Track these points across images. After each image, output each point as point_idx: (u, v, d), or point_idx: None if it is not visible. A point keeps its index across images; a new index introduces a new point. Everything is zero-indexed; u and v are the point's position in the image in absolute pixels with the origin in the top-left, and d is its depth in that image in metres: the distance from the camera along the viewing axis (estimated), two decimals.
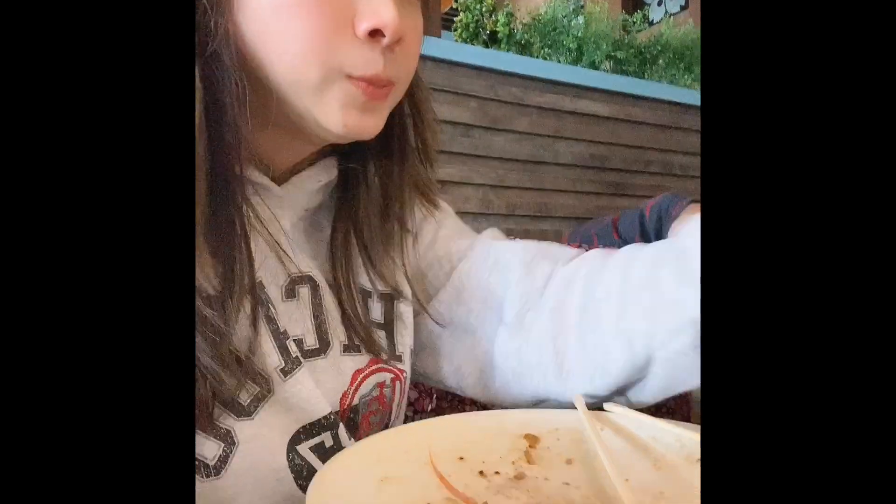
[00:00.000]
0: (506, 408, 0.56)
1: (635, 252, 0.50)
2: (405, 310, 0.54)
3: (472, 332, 0.55)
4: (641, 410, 0.46)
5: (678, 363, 0.44)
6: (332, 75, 0.41)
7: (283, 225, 0.47)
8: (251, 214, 0.44)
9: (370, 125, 0.44)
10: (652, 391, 0.47)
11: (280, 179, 0.48)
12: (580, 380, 0.49)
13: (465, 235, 0.59)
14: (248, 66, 0.41)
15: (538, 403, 0.53)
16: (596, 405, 0.47)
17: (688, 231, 0.47)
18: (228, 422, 0.42)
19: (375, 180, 0.51)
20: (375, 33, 0.41)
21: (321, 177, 0.50)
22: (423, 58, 0.48)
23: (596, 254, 0.54)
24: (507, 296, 0.54)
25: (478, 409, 0.63)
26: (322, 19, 0.40)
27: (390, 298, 0.53)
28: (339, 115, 0.42)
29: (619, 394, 0.49)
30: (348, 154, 0.51)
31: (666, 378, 0.46)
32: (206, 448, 0.41)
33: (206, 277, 0.39)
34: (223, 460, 0.41)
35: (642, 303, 0.45)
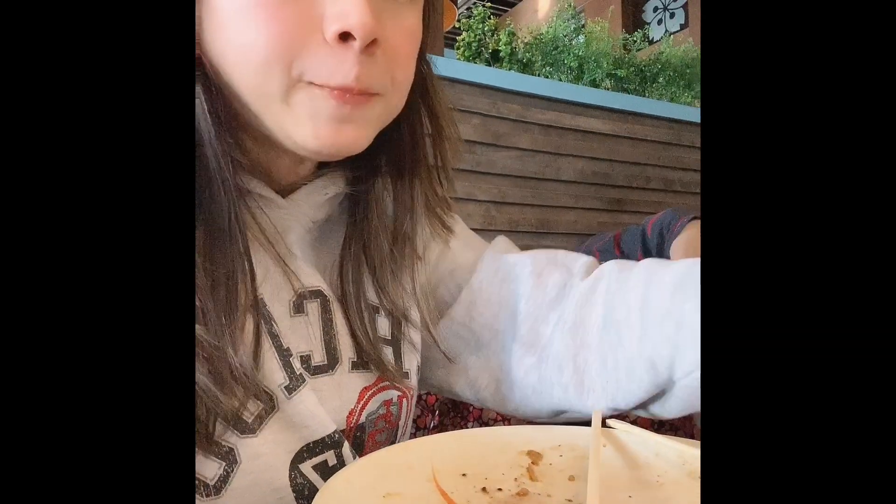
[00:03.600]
0: (526, 419, 0.57)
1: (655, 271, 0.48)
2: (413, 329, 0.53)
3: (485, 345, 0.55)
4: (645, 427, 0.46)
5: (698, 388, 0.44)
6: (293, 83, 0.38)
7: (289, 238, 0.47)
8: (255, 228, 0.43)
9: (349, 138, 0.41)
10: (672, 409, 0.48)
11: (286, 192, 0.47)
12: (602, 397, 0.48)
13: (473, 246, 0.58)
14: (220, 78, 0.40)
15: (558, 415, 0.53)
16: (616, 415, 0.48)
17: None
18: (231, 439, 0.41)
19: (387, 199, 0.50)
20: (346, 37, 0.37)
21: (328, 189, 0.48)
22: None
23: (613, 267, 0.52)
24: (519, 309, 0.54)
25: (480, 426, 0.63)
26: (284, 24, 0.37)
27: (398, 316, 0.52)
28: (309, 126, 0.39)
29: (641, 408, 0.49)
30: (358, 169, 0.50)
31: (687, 399, 0.46)
32: (207, 467, 0.40)
33: (205, 297, 0.39)
34: (224, 479, 0.41)
35: (664, 331, 0.44)
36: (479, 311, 0.55)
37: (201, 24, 0.39)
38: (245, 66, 0.38)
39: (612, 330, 0.48)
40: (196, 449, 0.39)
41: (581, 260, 0.56)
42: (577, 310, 0.51)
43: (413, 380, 0.53)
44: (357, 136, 0.41)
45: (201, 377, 0.38)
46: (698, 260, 0.46)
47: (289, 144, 0.41)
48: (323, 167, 0.50)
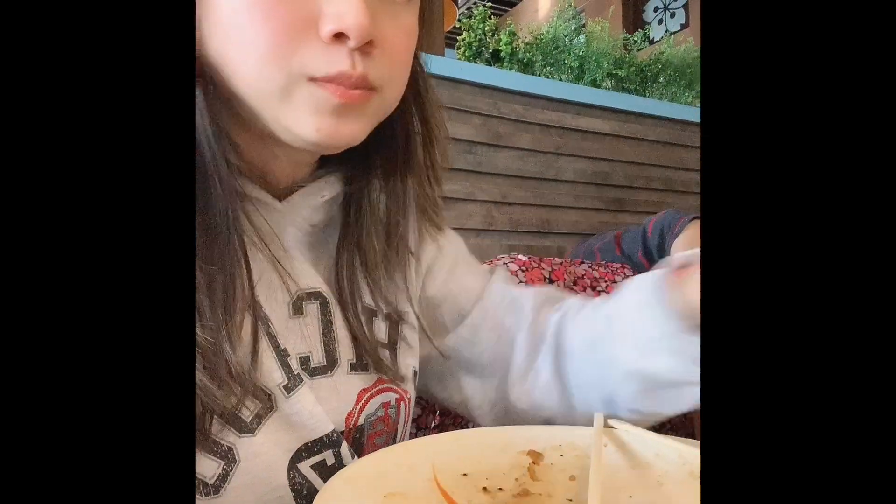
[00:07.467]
0: None
1: (599, 311, 0.54)
2: (409, 332, 0.54)
3: (483, 366, 0.58)
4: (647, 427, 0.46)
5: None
6: (294, 79, 0.39)
7: (285, 240, 0.47)
8: (251, 230, 0.43)
9: (347, 131, 0.42)
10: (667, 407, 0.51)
11: (282, 195, 0.47)
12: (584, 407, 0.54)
13: (476, 272, 0.61)
14: (216, 77, 0.40)
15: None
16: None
17: (636, 286, 0.51)
18: (230, 438, 0.41)
19: (381, 198, 0.51)
20: (340, 36, 0.38)
21: (324, 192, 0.49)
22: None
23: (575, 303, 0.59)
24: (518, 338, 0.57)
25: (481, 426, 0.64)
26: (281, 23, 0.38)
27: (395, 319, 0.53)
28: (311, 120, 0.40)
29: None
30: (353, 170, 0.51)
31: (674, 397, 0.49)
32: (206, 466, 0.40)
33: (202, 296, 0.39)
34: (223, 478, 0.41)
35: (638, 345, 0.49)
36: (484, 335, 0.58)
37: (199, 23, 0.39)
38: (245, 63, 0.39)
39: (591, 354, 0.53)
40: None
41: (570, 300, 0.60)
42: (554, 338, 0.56)
43: (410, 383, 0.54)
44: (355, 129, 0.42)
45: (197, 374, 0.38)
46: (624, 302, 0.51)
47: (287, 138, 0.41)
48: (320, 170, 0.50)
